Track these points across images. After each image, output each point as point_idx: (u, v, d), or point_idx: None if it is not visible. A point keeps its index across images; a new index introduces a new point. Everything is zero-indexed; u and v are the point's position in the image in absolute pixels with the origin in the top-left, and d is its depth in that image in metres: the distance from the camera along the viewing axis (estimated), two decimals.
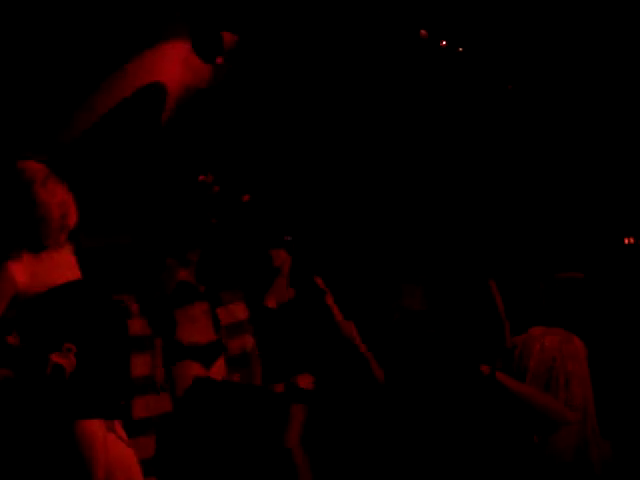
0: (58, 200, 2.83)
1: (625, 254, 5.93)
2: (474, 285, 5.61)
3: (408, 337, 5.26)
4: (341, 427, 5.47)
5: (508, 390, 3.46)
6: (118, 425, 2.98)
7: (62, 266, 2.88)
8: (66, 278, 2.86)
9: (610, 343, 4.28)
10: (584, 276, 3.92)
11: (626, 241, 5.99)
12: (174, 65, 5.01)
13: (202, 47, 5.01)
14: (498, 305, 4.98)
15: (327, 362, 5.09)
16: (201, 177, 5.60)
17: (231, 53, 5.09)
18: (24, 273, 2.79)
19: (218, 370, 4.76)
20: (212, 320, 4.95)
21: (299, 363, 4.71)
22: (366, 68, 5.85)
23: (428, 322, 5.86)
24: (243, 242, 5.31)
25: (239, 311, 5.00)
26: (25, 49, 4.29)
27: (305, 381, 4.72)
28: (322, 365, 4.94)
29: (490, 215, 6.21)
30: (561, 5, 5.53)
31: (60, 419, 2.79)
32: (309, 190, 6.15)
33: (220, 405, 4.51)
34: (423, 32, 5.79)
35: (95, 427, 2.80)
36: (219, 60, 5.06)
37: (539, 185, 6.09)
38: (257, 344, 4.87)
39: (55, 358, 2.71)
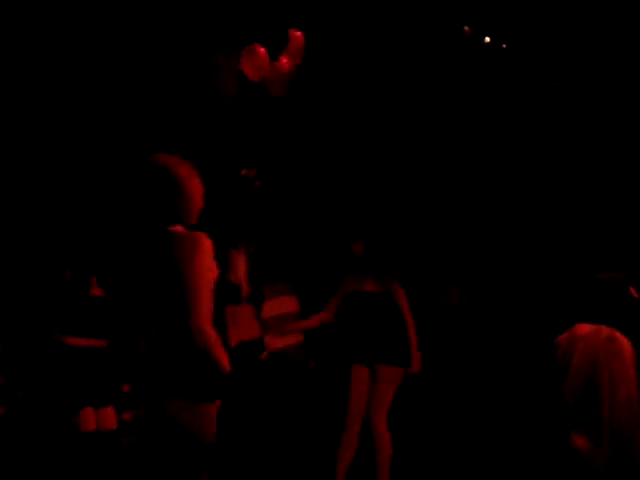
0: (201, 186, 2.97)
1: None
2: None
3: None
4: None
5: None
6: None
7: None
8: None
9: None
10: (625, 277, 3.90)
11: None
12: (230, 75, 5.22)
13: (268, 45, 5.14)
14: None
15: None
16: (244, 171, 5.63)
17: (298, 51, 5.15)
18: None
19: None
20: (257, 318, 4.99)
21: None
22: (412, 65, 5.86)
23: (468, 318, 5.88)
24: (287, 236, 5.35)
25: (286, 304, 4.99)
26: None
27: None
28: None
29: (534, 216, 6.20)
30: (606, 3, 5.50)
31: None
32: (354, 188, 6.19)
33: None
34: (466, 28, 5.78)
35: None
36: (284, 59, 5.11)
37: (581, 186, 6.06)
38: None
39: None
